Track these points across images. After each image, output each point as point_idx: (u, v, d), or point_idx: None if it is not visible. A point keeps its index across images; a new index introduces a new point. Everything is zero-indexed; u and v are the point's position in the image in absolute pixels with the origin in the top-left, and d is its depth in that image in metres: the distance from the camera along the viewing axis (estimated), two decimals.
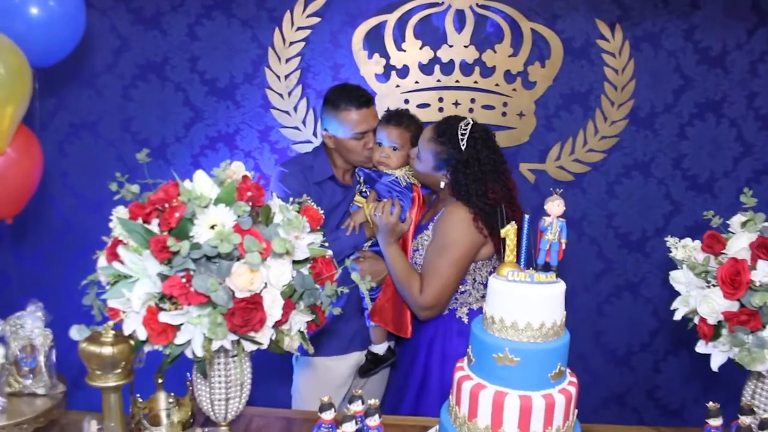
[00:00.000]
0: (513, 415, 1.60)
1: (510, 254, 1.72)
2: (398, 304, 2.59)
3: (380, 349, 2.75)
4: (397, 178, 2.55)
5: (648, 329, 3.60)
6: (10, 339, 1.77)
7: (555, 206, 1.66)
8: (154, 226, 1.57)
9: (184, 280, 1.49)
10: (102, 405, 1.64)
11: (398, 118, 2.65)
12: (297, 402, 2.85)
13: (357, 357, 2.79)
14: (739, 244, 1.74)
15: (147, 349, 1.62)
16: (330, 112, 2.62)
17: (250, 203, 1.60)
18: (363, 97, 2.61)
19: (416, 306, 2.42)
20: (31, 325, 1.79)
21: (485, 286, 2.44)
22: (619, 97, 3.33)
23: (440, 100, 3.28)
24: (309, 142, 3.32)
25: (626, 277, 3.54)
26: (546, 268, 1.67)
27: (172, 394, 1.97)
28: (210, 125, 3.34)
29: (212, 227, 1.52)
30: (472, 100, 3.28)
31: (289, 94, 3.30)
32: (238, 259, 1.52)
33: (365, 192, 2.68)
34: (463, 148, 2.35)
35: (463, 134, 2.36)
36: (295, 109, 3.31)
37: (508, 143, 3.29)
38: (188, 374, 1.92)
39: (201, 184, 1.61)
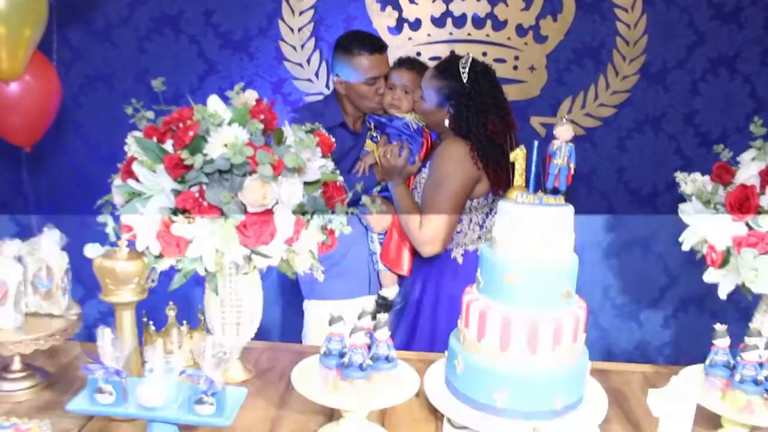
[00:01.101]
0: (521, 335, 1.62)
1: (519, 178, 1.74)
2: (397, 241, 2.65)
3: (391, 292, 2.78)
4: (407, 121, 2.58)
5: (658, 285, 3.61)
6: (27, 260, 1.81)
7: (564, 131, 1.67)
8: (168, 146, 1.61)
9: (197, 194, 1.52)
10: (115, 323, 1.67)
11: (411, 62, 2.70)
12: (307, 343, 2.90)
13: (366, 301, 2.82)
14: (748, 172, 1.76)
15: (160, 268, 1.66)
16: (342, 57, 2.64)
17: (263, 126, 1.63)
18: (376, 43, 2.64)
19: (417, 242, 2.47)
20: (47, 247, 1.82)
21: (481, 227, 2.50)
22: (631, 52, 3.32)
23: (452, 53, 3.27)
24: (321, 94, 3.34)
25: (636, 232, 3.54)
26: (555, 192, 1.69)
27: (186, 322, 2.01)
28: (224, 78, 3.37)
29: (225, 146, 1.55)
30: (484, 54, 3.29)
31: (302, 46, 3.33)
32: (251, 175, 1.54)
33: (376, 137, 2.71)
34: (464, 81, 2.40)
35: (464, 68, 2.42)
36: (308, 61, 3.34)
37: (519, 97, 3.29)
38: (200, 306, 1.96)
39: (215, 106, 1.64)
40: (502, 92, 2.50)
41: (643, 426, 1.78)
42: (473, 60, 2.46)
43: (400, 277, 2.80)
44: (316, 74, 3.35)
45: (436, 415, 1.78)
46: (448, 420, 1.73)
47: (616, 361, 3.67)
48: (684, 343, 3.66)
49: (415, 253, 2.63)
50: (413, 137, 2.56)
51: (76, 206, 3.40)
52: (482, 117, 2.38)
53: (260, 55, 3.36)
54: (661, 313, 3.67)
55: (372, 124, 2.72)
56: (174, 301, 1.99)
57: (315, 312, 2.85)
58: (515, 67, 3.32)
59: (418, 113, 2.60)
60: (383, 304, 2.79)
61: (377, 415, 1.75)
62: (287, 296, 3.52)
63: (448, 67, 2.46)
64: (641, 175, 3.48)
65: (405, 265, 2.67)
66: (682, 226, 1.94)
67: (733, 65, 3.34)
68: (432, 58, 3.27)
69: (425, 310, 2.55)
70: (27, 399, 1.76)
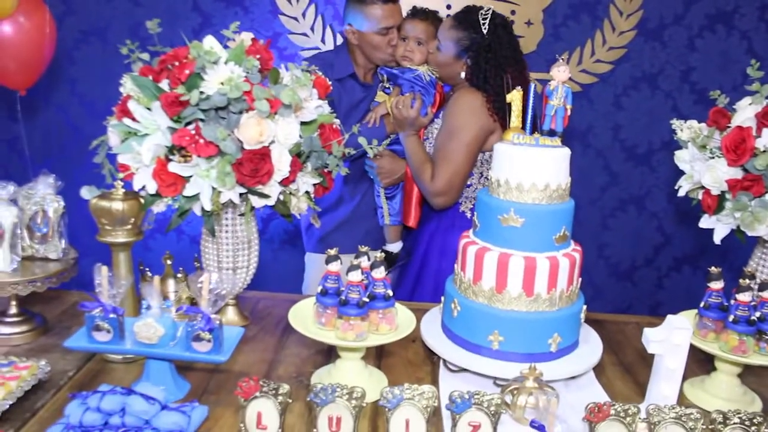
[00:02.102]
0: (517, 276, 1.63)
1: (516, 119, 1.74)
2: (408, 192, 2.63)
3: (395, 247, 2.77)
4: (420, 73, 2.55)
5: (652, 244, 3.63)
6: (23, 204, 1.80)
7: (560, 72, 1.66)
8: (164, 85, 1.59)
9: (193, 132, 1.51)
10: (112, 264, 1.67)
11: (425, 13, 2.65)
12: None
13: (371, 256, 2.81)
14: (744, 115, 1.75)
15: (156, 209, 1.65)
16: (355, 6, 2.60)
17: (259, 65, 1.61)
18: None
19: (429, 193, 2.44)
20: (42, 191, 1.82)
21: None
22: (628, 7, 3.31)
23: (448, 7, 3.27)
24: (317, 48, 3.31)
25: (631, 190, 3.55)
26: (551, 134, 1.68)
27: (181, 268, 2.00)
28: (219, 31, 3.32)
29: (222, 84, 1.54)
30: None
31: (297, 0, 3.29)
32: (247, 113, 1.53)
33: (389, 89, 2.68)
34: (485, 32, 2.36)
35: (484, 19, 2.37)
36: (304, 15, 3.31)
37: None
38: (196, 254, 1.96)
39: (211, 44, 1.62)
40: (519, 46, 2.46)
41: (637, 370, 1.80)
42: (493, 12, 2.41)
43: (406, 232, 2.80)
44: (312, 28, 3.32)
45: (432, 359, 1.79)
46: (445, 363, 1.74)
47: None
48: (678, 303, 3.67)
49: (423, 207, 2.62)
50: (426, 89, 2.53)
51: (72, 160, 3.40)
52: (500, 70, 2.34)
53: (255, 8, 3.33)
54: (655, 272, 3.70)
55: (384, 75, 2.68)
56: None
57: (316, 265, 2.85)
58: (512, 22, 3.25)
59: (433, 65, 2.55)
60: (387, 259, 2.78)
61: (374, 358, 1.76)
62: (288, 250, 3.53)
63: (467, 17, 2.40)
64: (637, 133, 3.48)
65: (411, 215, 2.65)
66: (679, 184, 1.94)
67: (730, 21, 3.34)
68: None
69: (430, 264, 2.52)
70: (24, 342, 1.76)
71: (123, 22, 3.34)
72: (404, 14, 2.66)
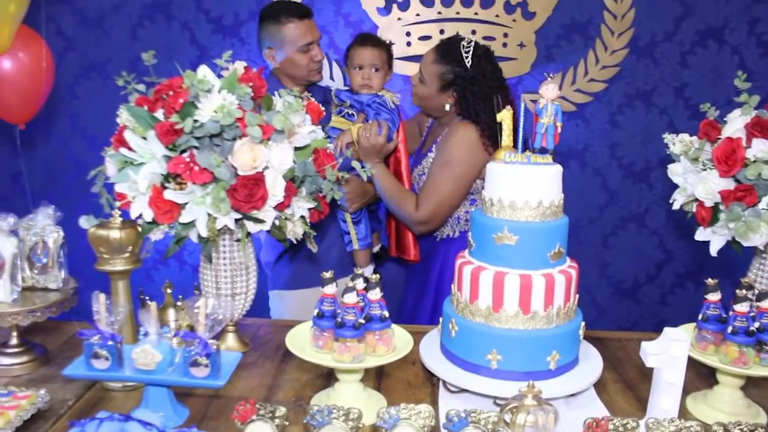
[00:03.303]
0: (513, 295, 1.63)
1: (507, 138, 1.75)
2: (400, 226, 2.63)
3: (367, 271, 2.71)
4: (385, 99, 2.55)
5: (654, 261, 3.62)
6: (24, 235, 1.82)
7: (549, 90, 1.68)
8: (159, 115, 1.61)
9: (188, 159, 1.53)
10: (110, 292, 1.68)
11: (373, 38, 2.62)
12: None
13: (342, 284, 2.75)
14: (734, 126, 1.77)
15: (153, 237, 1.67)
16: (271, 27, 2.55)
17: (252, 92, 1.64)
18: (303, 8, 2.57)
19: (411, 221, 2.45)
20: (42, 222, 1.84)
21: None
22: (619, 26, 3.34)
23: (441, 32, 3.31)
24: None
25: (631, 208, 3.56)
26: (542, 151, 1.70)
27: (181, 296, 2.01)
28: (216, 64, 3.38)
29: (215, 112, 1.56)
30: (473, 32, 3.31)
31: None
32: (241, 139, 1.56)
33: (352, 115, 2.64)
34: (468, 65, 2.36)
35: (467, 52, 2.37)
36: None
37: (509, 74, 3.28)
38: (196, 282, 1.97)
39: (205, 74, 1.65)
40: (502, 73, 2.46)
41: (639, 387, 1.78)
42: (475, 44, 2.41)
43: (403, 264, 2.77)
44: None
45: (431, 380, 1.78)
46: (444, 385, 1.74)
47: None
48: (682, 319, 3.65)
49: (421, 235, 2.60)
50: (392, 115, 2.52)
51: (72, 191, 3.43)
52: (488, 102, 2.33)
53: (251, 39, 3.38)
54: (659, 289, 3.69)
55: (347, 101, 2.64)
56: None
57: (288, 302, 2.77)
58: (504, 45, 3.34)
59: (416, 97, 2.54)
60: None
61: (373, 380, 1.76)
62: None
63: (449, 50, 2.40)
64: (634, 150, 3.50)
65: (411, 250, 2.64)
66: (673, 198, 1.94)
67: (721, 36, 3.37)
68: (421, 38, 3.30)
69: (428, 290, 2.53)
70: (25, 373, 1.77)
71: (122, 57, 3.39)
72: (354, 40, 2.63)
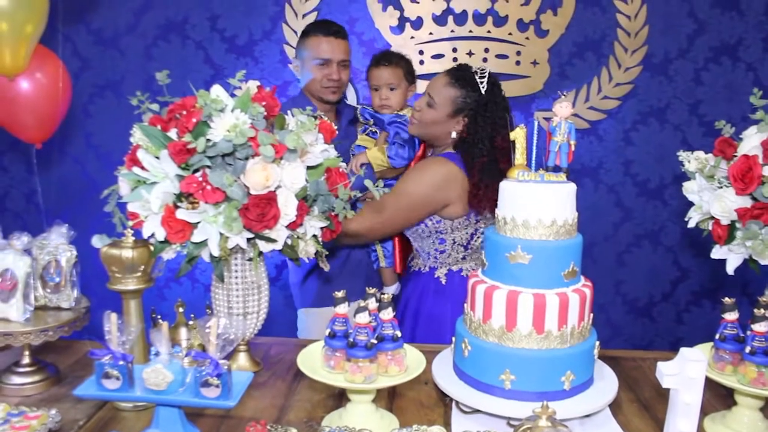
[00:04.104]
0: (527, 314, 1.62)
1: (520, 157, 1.75)
2: (401, 241, 2.67)
3: (393, 289, 2.76)
4: (407, 117, 2.54)
5: (669, 279, 3.59)
6: (37, 254, 1.83)
7: (562, 108, 1.67)
8: (173, 134, 1.62)
9: (200, 179, 1.54)
10: (122, 311, 1.68)
11: (388, 57, 2.64)
12: None
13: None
14: (750, 143, 1.75)
15: (166, 256, 1.67)
16: (301, 40, 2.64)
17: (265, 111, 1.64)
18: (333, 27, 2.61)
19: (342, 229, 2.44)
20: (55, 241, 1.84)
21: (465, 247, 2.45)
22: (633, 44, 3.34)
23: (454, 50, 3.31)
24: None
25: (645, 225, 3.53)
26: (556, 170, 1.69)
27: (193, 315, 2.01)
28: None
29: (228, 132, 1.56)
30: (486, 50, 3.31)
31: None
32: (253, 158, 1.56)
33: (375, 133, 2.68)
34: (483, 91, 2.34)
35: (482, 78, 2.35)
36: None
37: (522, 92, 3.31)
38: (207, 302, 1.97)
39: (218, 93, 1.66)
40: (509, 104, 2.46)
41: (655, 407, 1.75)
42: (489, 71, 2.40)
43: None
44: None
45: (444, 401, 1.77)
46: (457, 405, 1.72)
47: None
48: (699, 338, 3.61)
49: (403, 267, 2.67)
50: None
51: (86, 211, 3.45)
52: (493, 131, 2.32)
53: (265, 59, 3.40)
54: (674, 307, 3.65)
55: (371, 120, 2.67)
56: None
57: (315, 320, 2.79)
58: (518, 63, 3.33)
59: (422, 123, 2.44)
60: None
61: (385, 401, 1.75)
62: None
63: (464, 75, 2.37)
64: (648, 168, 3.47)
65: (397, 263, 2.71)
66: (688, 215, 1.92)
67: (735, 53, 3.35)
68: (434, 56, 3.31)
69: (404, 328, 2.49)
70: (37, 392, 1.77)
71: (137, 76, 3.43)
72: (371, 61, 2.67)
